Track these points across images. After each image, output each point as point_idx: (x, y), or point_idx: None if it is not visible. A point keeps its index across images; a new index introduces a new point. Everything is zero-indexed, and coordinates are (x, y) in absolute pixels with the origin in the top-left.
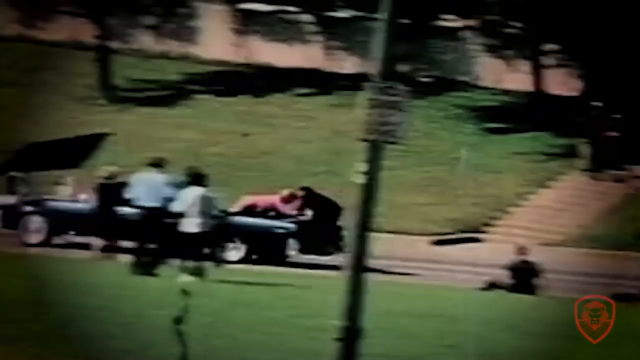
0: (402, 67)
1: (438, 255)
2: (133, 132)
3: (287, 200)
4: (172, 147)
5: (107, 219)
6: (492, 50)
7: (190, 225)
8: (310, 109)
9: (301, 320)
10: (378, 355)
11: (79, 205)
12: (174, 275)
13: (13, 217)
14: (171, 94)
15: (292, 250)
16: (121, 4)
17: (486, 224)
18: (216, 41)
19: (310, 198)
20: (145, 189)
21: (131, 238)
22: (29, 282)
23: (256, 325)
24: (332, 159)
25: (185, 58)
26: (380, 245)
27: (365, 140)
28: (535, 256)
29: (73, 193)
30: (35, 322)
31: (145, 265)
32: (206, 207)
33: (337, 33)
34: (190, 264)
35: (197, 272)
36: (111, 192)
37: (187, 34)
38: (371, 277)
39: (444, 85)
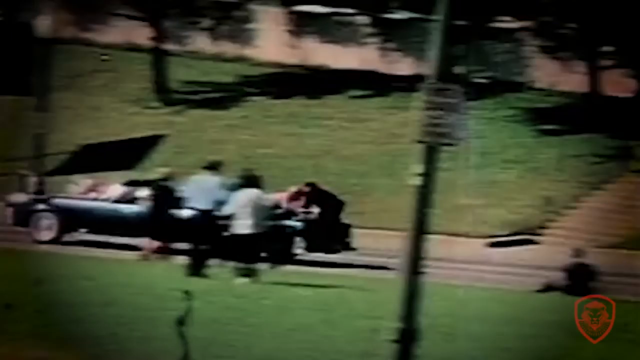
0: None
1: (493, 257)
2: (187, 134)
3: (294, 197)
4: (226, 148)
5: (160, 221)
6: (547, 51)
7: (244, 226)
8: (365, 111)
9: (356, 322)
10: (434, 357)
11: (90, 203)
12: (227, 276)
13: (24, 215)
14: (226, 96)
15: (299, 249)
16: (177, 6)
17: (541, 226)
18: (271, 43)
19: (315, 194)
20: (199, 191)
21: (184, 239)
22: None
23: (310, 326)
24: (388, 160)
25: (240, 60)
26: (436, 247)
27: (421, 142)
28: (591, 258)
29: (85, 191)
30: (92, 322)
31: (198, 266)
32: (259, 209)
33: (392, 35)
34: (244, 265)
35: (250, 274)
36: (164, 193)
37: (243, 36)
38: (426, 279)
39: (500, 86)
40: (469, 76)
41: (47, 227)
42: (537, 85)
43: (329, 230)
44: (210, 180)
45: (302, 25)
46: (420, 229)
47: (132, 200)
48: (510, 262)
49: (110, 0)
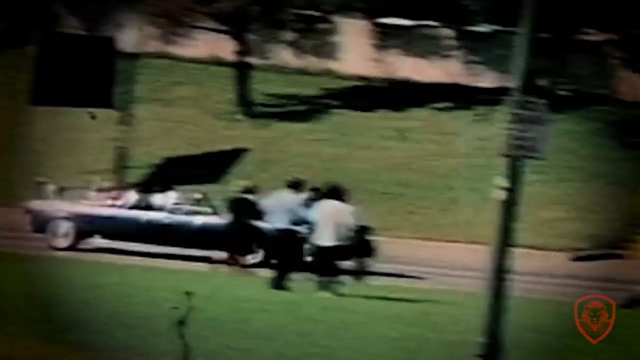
0: (542, 82)
1: (577, 271)
2: (270, 147)
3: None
4: (309, 162)
5: (240, 233)
6: (631, 64)
7: (327, 238)
8: (449, 124)
9: (440, 336)
10: None
11: (106, 210)
12: (310, 289)
13: (42, 222)
14: (309, 109)
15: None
16: (261, 20)
17: (625, 240)
18: (355, 56)
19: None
20: (279, 209)
21: (266, 252)
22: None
23: (394, 340)
24: (472, 174)
25: (324, 73)
26: (520, 261)
27: (505, 155)
28: None
29: (102, 198)
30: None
31: (280, 279)
32: (343, 221)
33: (476, 47)
34: (326, 278)
35: (333, 287)
36: (244, 206)
37: (326, 49)
38: (511, 292)
39: (584, 99)
40: (553, 89)
41: (63, 234)
42: (622, 98)
43: None
44: (291, 198)
45: (386, 38)
46: (505, 243)
47: (147, 207)
48: (593, 276)
49: (194, 14)
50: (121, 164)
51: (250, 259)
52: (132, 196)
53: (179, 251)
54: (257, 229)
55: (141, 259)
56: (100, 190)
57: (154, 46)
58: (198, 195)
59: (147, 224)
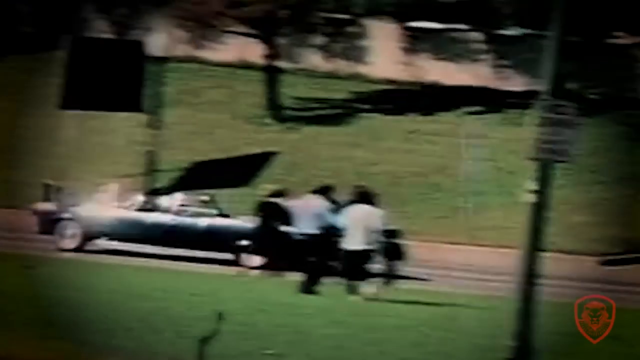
0: (571, 85)
1: (606, 275)
2: (300, 151)
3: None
4: (338, 165)
5: (268, 237)
6: None
7: (356, 243)
8: (478, 127)
9: (470, 340)
10: None
11: (112, 212)
12: (340, 293)
13: (49, 223)
14: (338, 113)
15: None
16: (290, 24)
17: None
18: (384, 60)
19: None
20: (308, 214)
21: (293, 256)
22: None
23: (424, 344)
24: (501, 177)
25: (353, 77)
26: (549, 265)
27: (535, 158)
28: None
29: (112, 200)
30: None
31: (310, 283)
32: (372, 225)
33: (506, 51)
34: (356, 282)
35: (364, 291)
36: (272, 210)
37: (356, 53)
38: (541, 296)
39: (613, 103)
40: (583, 93)
41: (70, 236)
42: None
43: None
44: (320, 203)
45: (415, 41)
46: (535, 246)
47: (153, 209)
48: (622, 281)
49: (223, 17)
50: (150, 168)
51: (254, 260)
52: (139, 198)
53: (190, 253)
54: (285, 233)
55: (150, 261)
56: (108, 192)
57: (183, 50)
58: (205, 198)
59: (153, 226)
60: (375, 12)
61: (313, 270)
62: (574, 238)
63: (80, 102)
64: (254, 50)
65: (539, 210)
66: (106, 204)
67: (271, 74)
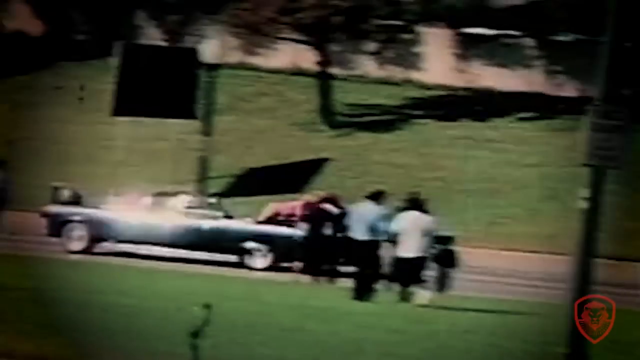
0: (624, 91)
1: None
2: (353, 157)
3: (307, 206)
4: (391, 171)
5: (315, 243)
6: None
7: (409, 249)
8: (531, 133)
9: (523, 347)
10: None
11: (120, 214)
12: (392, 300)
13: (57, 225)
14: (391, 119)
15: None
16: (343, 30)
17: None
18: (437, 66)
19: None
20: (361, 221)
21: (344, 263)
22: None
23: (477, 351)
24: (554, 183)
25: (406, 83)
26: (603, 271)
27: (587, 164)
28: None
29: (122, 203)
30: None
31: (362, 290)
32: (425, 232)
33: (559, 57)
34: (409, 289)
35: (416, 297)
36: (320, 216)
37: (409, 59)
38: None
39: None
40: (635, 98)
41: (78, 238)
42: None
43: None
44: (372, 209)
45: (468, 47)
46: (588, 253)
47: (160, 211)
48: None
49: (276, 24)
50: (202, 174)
51: (259, 263)
52: (146, 201)
53: (198, 255)
54: (334, 239)
55: (160, 263)
56: (118, 195)
57: (235, 57)
58: (212, 200)
59: (159, 228)
60: (429, 18)
61: (365, 276)
62: (627, 244)
63: (132, 108)
64: (306, 57)
65: (592, 216)
66: (115, 207)
67: (324, 81)
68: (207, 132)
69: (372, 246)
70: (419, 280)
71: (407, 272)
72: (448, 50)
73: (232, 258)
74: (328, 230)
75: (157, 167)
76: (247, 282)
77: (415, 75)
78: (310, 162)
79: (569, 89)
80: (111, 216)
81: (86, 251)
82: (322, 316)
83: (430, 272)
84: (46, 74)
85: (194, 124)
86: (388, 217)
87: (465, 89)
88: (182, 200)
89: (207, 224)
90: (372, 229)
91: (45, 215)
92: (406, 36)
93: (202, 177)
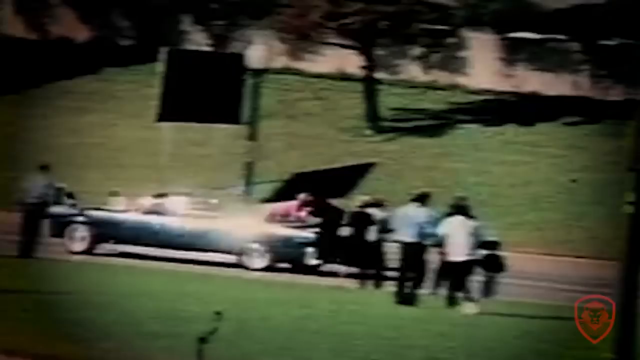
0: None
1: None
2: (398, 161)
3: (303, 206)
4: (437, 176)
5: (359, 247)
6: None
7: (456, 254)
8: (577, 138)
9: (570, 352)
10: None
11: (121, 215)
12: (438, 304)
13: (60, 226)
14: (437, 124)
15: (312, 259)
16: (388, 35)
17: None
18: (483, 70)
19: (319, 204)
20: (406, 224)
21: (389, 267)
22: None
23: (525, 356)
24: (600, 188)
25: (451, 87)
26: None
27: (634, 169)
28: None
29: (125, 205)
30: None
31: (407, 294)
32: (472, 237)
33: (605, 61)
34: (457, 293)
35: (463, 302)
36: (363, 220)
37: (455, 64)
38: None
39: None
40: None
41: (80, 239)
42: None
43: (342, 242)
44: (417, 212)
45: (514, 51)
46: (634, 258)
47: (161, 212)
48: None
49: (322, 29)
50: (248, 179)
51: (256, 263)
52: (147, 201)
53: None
54: (376, 242)
55: (164, 264)
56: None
57: (281, 62)
58: (214, 201)
59: (160, 229)
60: (474, 22)
61: (410, 280)
62: None
63: (178, 114)
64: (352, 62)
65: (638, 221)
66: (116, 207)
67: (369, 85)
68: (252, 137)
69: (418, 248)
70: (465, 286)
71: (454, 277)
72: (493, 54)
73: (230, 258)
74: (373, 235)
75: (203, 173)
76: (294, 286)
77: (460, 79)
78: (356, 167)
79: (615, 93)
80: (112, 217)
81: (88, 252)
82: (366, 321)
83: (477, 277)
84: (91, 79)
85: (239, 130)
86: (434, 219)
87: (510, 93)
88: (182, 202)
89: (205, 224)
90: (419, 231)
91: (48, 216)
92: (451, 41)
93: (248, 183)
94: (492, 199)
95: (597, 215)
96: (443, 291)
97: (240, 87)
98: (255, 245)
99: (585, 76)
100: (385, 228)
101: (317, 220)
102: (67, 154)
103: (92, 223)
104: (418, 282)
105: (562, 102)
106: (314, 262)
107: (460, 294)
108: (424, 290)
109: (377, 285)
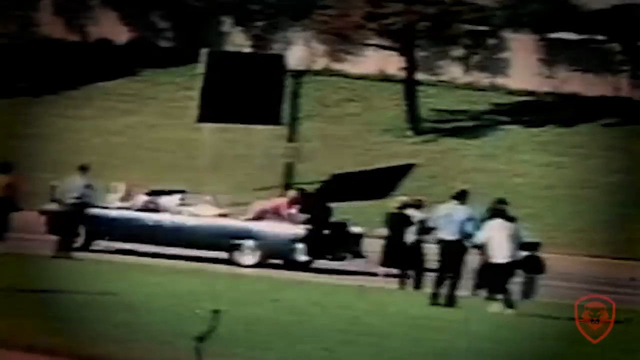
0: None
1: None
2: (439, 162)
3: (292, 203)
4: (477, 177)
5: (397, 248)
6: None
7: (497, 255)
8: (617, 139)
9: (611, 354)
10: None
11: (115, 212)
12: (478, 306)
13: (56, 223)
14: (477, 125)
15: (302, 255)
16: (429, 36)
17: None
18: (523, 71)
19: (304, 199)
20: (446, 222)
21: (429, 268)
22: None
23: (562, 357)
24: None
25: (492, 88)
26: None
27: None
28: None
29: (121, 200)
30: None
31: (447, 295)
32: (512, 238)
33: None
34: (498, 295)
35: (505, 304)
36: (402, 221)
37: (495, 65)
38: None
39: None
40: None
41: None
42: None
43: (332, 238)
44: (457, 210)
45: (553, 52)
46: None
47: (155, 209)
48: None
49: (362, 30)
50: (288, 180)
51: (247, 260)
52: (140, 198)
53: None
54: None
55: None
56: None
57: (322, 63)
58: (207, 198)
59: (153, 226)
60: (514, 23)
61: (449, 280)
62: None
63: (218, 115)
64: (392, 63)
65: None
66: (111, 204)
67: (410, 86)
68: (292, 138)
69: (457, 247)
70: (507, 287)
71: (496, 278)
72: (533, 55)
73: (222, 255)
74: (412, 236)
75: (243, 174)
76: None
77: (500, 80)
78: (396, 168)
79: None
80: (107, 214)
81: (83, 249)
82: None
83: (518, 279)
84: (130, 81)
85: (279, 130)
86: (474, 217)
87: (550, 94)
88: (176, 198)
89: (196, 221)
90: (458, 229)
91: (44, 213)
92: (492, 42)
93: (288, 183)
94: (531, 200)
95: (638, 216)
96: (483, 293)
97: (280, 88)
98: (247, 242)
99: (626, 77)
100: (424, 229)
101: (306, 216)
102: (107, 155)
103: (87, 219)
104: (456, 282)
105: (602, 103)
106: (303, 258)
107: (500, 296)
108: (463, 292)
109: (417, 286)
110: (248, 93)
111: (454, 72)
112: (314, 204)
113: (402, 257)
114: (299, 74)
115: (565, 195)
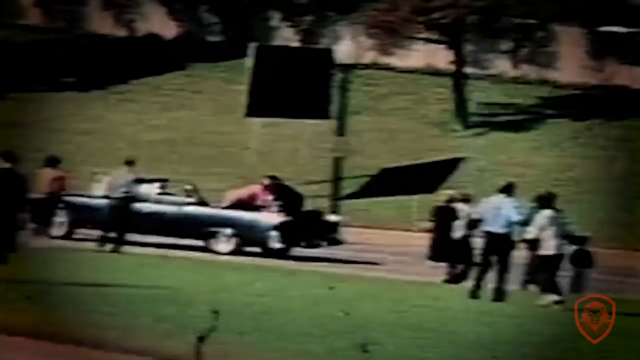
0: None
1: None
2: (487, 156)
3: (267, 189)
4: (526, 171)
5: (444, 242)
6: None
7: (546, 248)
8: None
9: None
10: None
11: (98, 201)
12: (527, 300)
13: (40, 212)
14: (526, 118)
15: (277, 242)
16: (478, 30)
17: None
18: (572, 65)
19: (275, 188)
20: (494, 215)
21: (471, 262)
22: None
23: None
24: None
25: (540, 82)
26: None
27: None
28: None
29: (101, 190)
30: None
31: (495, 289)
32: (561, 232)
33: None
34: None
35: (556, 297)
36: (448, 215)
37: (543, 58)
38: None
39: None
40: None
41: (59, 224)
42: None
43: (307, 225)
44: (505, 203)
45: (602, 46)
46: None
47: (137, 197)
48: None
49: (411, 24)
50: (336, 174)
51: (223, 248)
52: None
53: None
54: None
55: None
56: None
57: (370, 57)
58: (188, 187)
59: (136, 214)
60: (563, 16)
61: (496, 273)
62: None
63: (266, 109)
64: (441, 57)
65: None
66: (96, 193)
67: (458, 80)
68: (341, 132)
69: (505, 239)
70: (555, 280)
71: (545, 272)
72: (582, 48)
73: (198, 243)
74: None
75: (291, 168)
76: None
77: (549, 74)
78: (444, 162)
79: None
80: (89, 202)
81: (66, 237)
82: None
83: (566, 273)
84: (179, 75)
85: (328, 125)
86: (522, 210)
87: (599, 87)
88: (155, 187)
89: (173, 209)
90: (506, 222)
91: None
92: (540, 35)
93: (336, 178)
94: (579, 194)
95: None
96: (532, 287)
97: (328, 82)
98: (223, 230)
99: None
100: (472, 223)
101: (280, 203)
102: (155, 150)
103: (71, 208)
104: (505, 276)
105: None
106: (278, 245)
107: (549, 289)
108: (512, 286)
109: (461, 280)
110: (296, 87)
111: (502, 65)
112: (287, 191)
113: (450, 251)
114: (347, 68)
115: (613, 189)
